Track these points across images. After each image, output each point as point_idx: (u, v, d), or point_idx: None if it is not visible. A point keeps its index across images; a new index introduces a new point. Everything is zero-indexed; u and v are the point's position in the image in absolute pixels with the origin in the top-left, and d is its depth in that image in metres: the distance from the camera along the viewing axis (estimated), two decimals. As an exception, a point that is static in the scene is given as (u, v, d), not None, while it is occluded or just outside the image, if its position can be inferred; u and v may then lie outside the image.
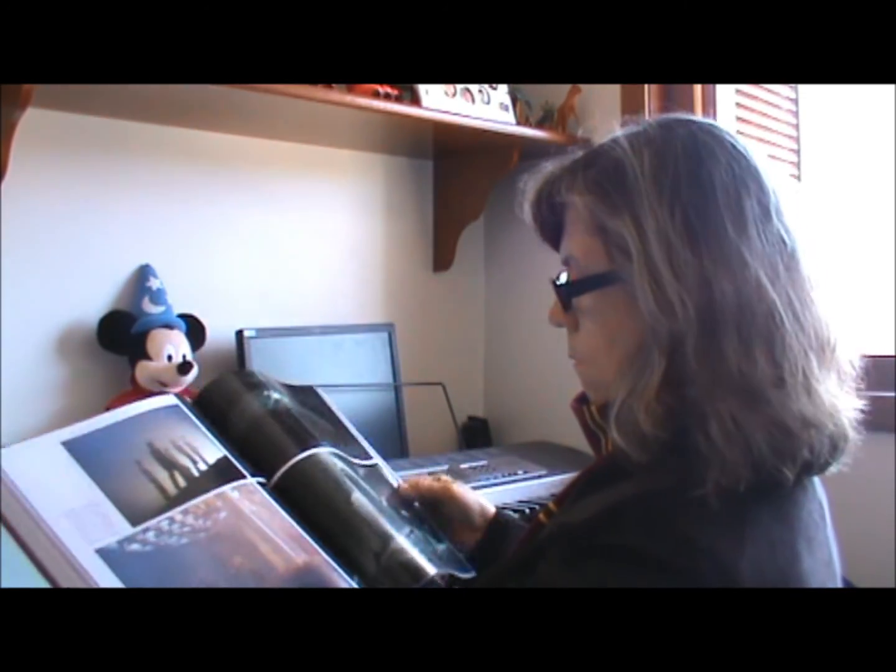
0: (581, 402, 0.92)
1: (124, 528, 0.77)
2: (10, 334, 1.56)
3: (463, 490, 1.11)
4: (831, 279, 0.84)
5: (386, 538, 0.93)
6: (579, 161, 0.87)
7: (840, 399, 0.82)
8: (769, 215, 0.80)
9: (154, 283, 1.69)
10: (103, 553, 0.74)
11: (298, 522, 0.89)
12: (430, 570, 0.93)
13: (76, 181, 1.64)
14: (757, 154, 0.84)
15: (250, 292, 1.88)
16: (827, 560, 0.81)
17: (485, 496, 1.74)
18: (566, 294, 0.87)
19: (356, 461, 1.06)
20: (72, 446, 0.81)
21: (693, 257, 0.78)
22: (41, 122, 1.54)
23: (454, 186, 2.17)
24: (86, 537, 0.74)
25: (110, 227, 1.68)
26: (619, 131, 0.87)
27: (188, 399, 0.97)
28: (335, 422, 1.13)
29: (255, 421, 0.99)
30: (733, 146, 0.83)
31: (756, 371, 0.76)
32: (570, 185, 0.86)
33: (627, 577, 0.72)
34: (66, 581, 0.72)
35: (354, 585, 0.86)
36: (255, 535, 0.83)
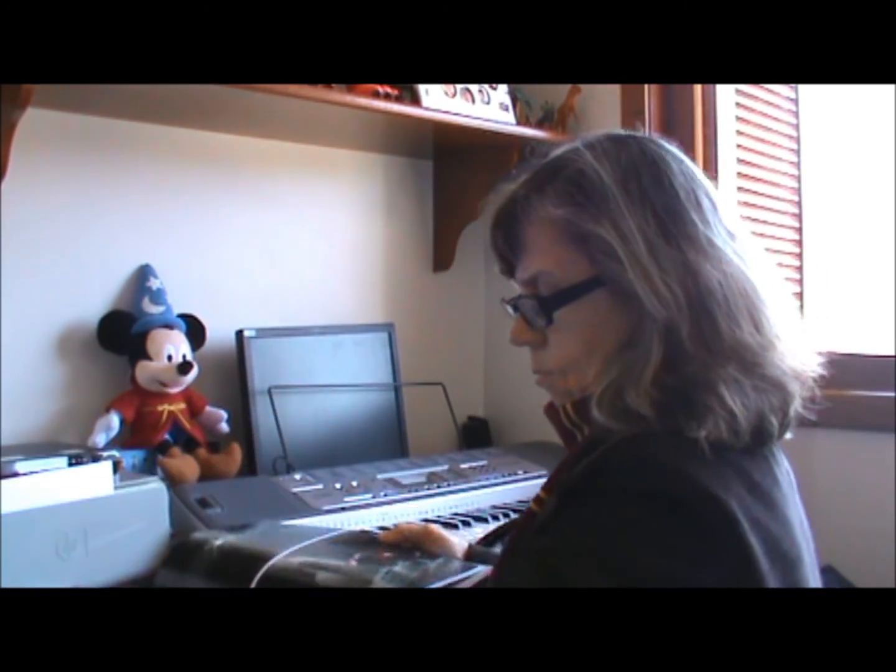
0: (552, 407, 0.97)
1: None
2: (10, 334, 1.56)
3: (441, 530, 1.17)
4: (767, 264, 0.92)
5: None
6: (541, 176, 0.91)
7: (811, 355, 0.90)
8: (716, 208, 0.89)
9: (154, 283, 1.69)
10: None
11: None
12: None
13: (76, 181, 1.64)
14: (686, 157, 0.92)
15: (250, 292, 1.88)
16: (800, 521, 0.86)
17: (485, 496, 1.76)
18: (547, 308, 0.90)
19: (324, 536, 1.12)
20: None
21: (672, 250, 0.84)
22: (41, 122, 1.54)
23: (454, 186, 2.16)
24: None
25: (110, 227, 1.68)
26: (566, 147, 0.92)
27: None
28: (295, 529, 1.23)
29: (208, 575, 1.05)
30: (674, 154, 0.91)
31: (748, 340, 0.83)
32: (542, 201, 0.90)
33: (621, 513, 0.76)
34: None
35: None
36: None
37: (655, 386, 0.82)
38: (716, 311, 0.83)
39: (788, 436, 0.89)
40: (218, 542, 1.08)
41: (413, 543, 1.14)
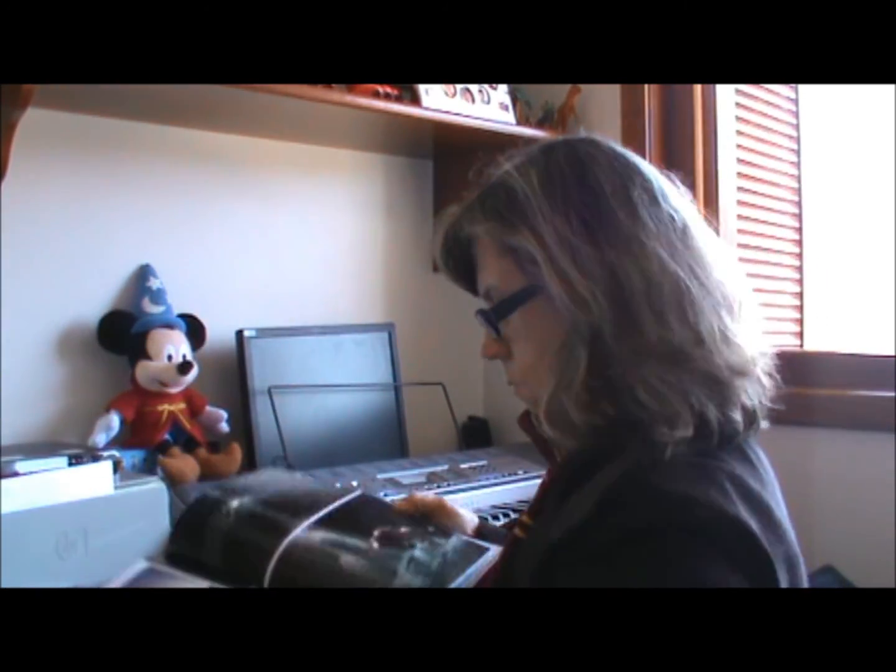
0: (527, 419, 0.98)
1: None
2: (10, 334, 1.56)
3: (454, 506, 1.17)
4: (724, 250, 0.92)
5: (386, 584, 0.96)
6: (475, 197, 0.94)
7: (756, 346, 0.88)
8: (656, 200, 0.88)
9: (154, 283, 1.69)
10: None
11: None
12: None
13: (76, 181, 1.64)
14: (634, 154, 0.92)
15: (250, 292, 1.88)
16: (786, 517, 0.85)
17: (485, 496, 1.76)
18: (494, 319, 0.93)
19: (338, 503, 1.09)
20: None
21: (594, 251, 0.84)
22: (41, 122, 1.54)
23: (454, 186, 2.16)
24: None
25: (110, 227, 1.68)
26: (506, 164, 0.93)
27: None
28: (300, 483, 1.18)
29: (224, 545, 1.01)
30: (611, 148, 0.91)
31: (674, 335, 0.83)
32: (471, 218, 0.93)
33: (645, 559, 0.74)
34: None
35: None
36: None
37: (585, 390, 0.83)
38: (639, 309, 0.83)
39: (764, 426, 0.89)
40: (235, 506, 1.05)
41: (425, 515, 1.13)
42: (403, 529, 1.07)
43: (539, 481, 0.98)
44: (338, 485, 1.23)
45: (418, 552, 1.02)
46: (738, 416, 0.84)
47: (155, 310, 1.67)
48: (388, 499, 1.62)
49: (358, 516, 1.09)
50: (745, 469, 0.83)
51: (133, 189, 1.71)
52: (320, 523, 1.04)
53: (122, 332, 1.64)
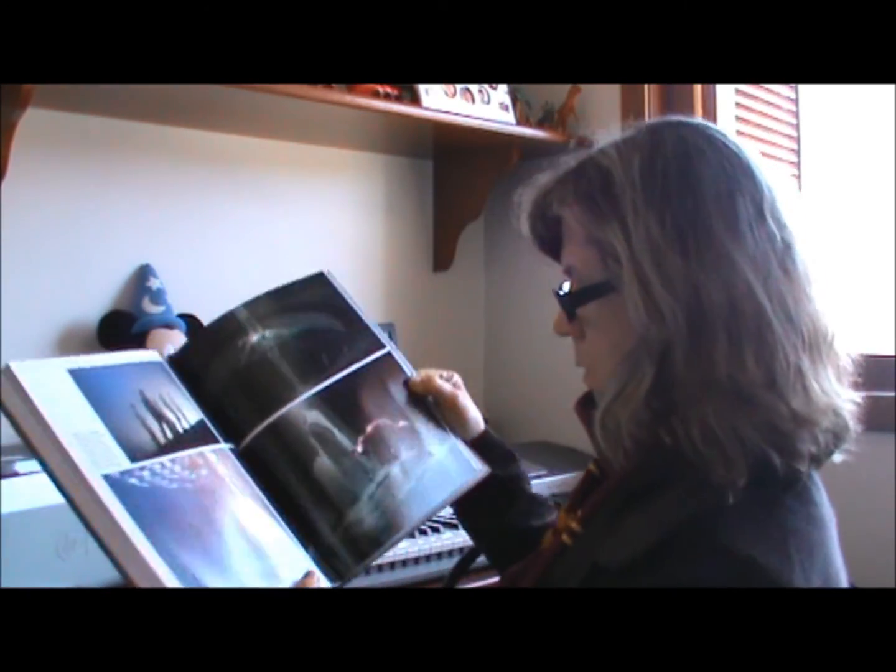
0: (584, 405, 0.92)
1: (124, 462, 0.79)
2: (10, 334, 1.55)
3: (465, 404, 1.10)
4: (829, 274, 0.84)
5: (343, 508, 0.92)
6: (570, 172, 0.87)
7: (838, 394, 0.82)
8: (763, 214, 0.80)
9: (154, 283, 1.69)
10: (109, 479, 0.76)
11: (263, 489, 0.90)
12: (376, 546, 0.91)
13: (76, 181, 1.64)
14: (751, 152, 0.84)
15: (250, 292, 1.87)
16: (840, 560, 0.82)
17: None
18: (569, 304, 0.88)
19: (357, 365, 1.04)
20: (77, 375, 0.83)
21: (682, 262, 0.78)
22: (41, 122, 1.54)
23: (454, 186, 2.16)
24: (93, 462, 0.76)
25: (110, 227, 1.68)
26: (610, 138, 0.87)
27: (167, 358, 0.98)
28: (342, 314, 1.11)
29: (225, 384, 0.97)
30: (725, 145, 0.83)
31: (745, 374, 0.76)
32: (561, 197, 0.87)
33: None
34: (81, 501, 0.74)
35: (309, 559, 0.87)
36: (229, 496, 0.85)
37: (646, 408, 0.79)
38: (715, 336, 0.77)
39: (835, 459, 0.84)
40: (252, 341, 1.01)
41: (434, 399, 1.08)
42: (401, 424, 1.03)
43: (540, 480, 0.96)
44: (376, 327, 1.12)
45: (396, 469, 0.98)
46: (802, 465, 0.78)
47: (155, 310, 1.67)
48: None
49: (364, 393, 1.03)
50: (807, 515, 0.79)
51: (133, 189, 1.71)
52: (324, 395, 0.99)
53: (122, 333, 1.64)
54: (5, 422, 1.56)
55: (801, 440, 0.78)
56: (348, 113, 1.71)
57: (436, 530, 1.61)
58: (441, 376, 1.11)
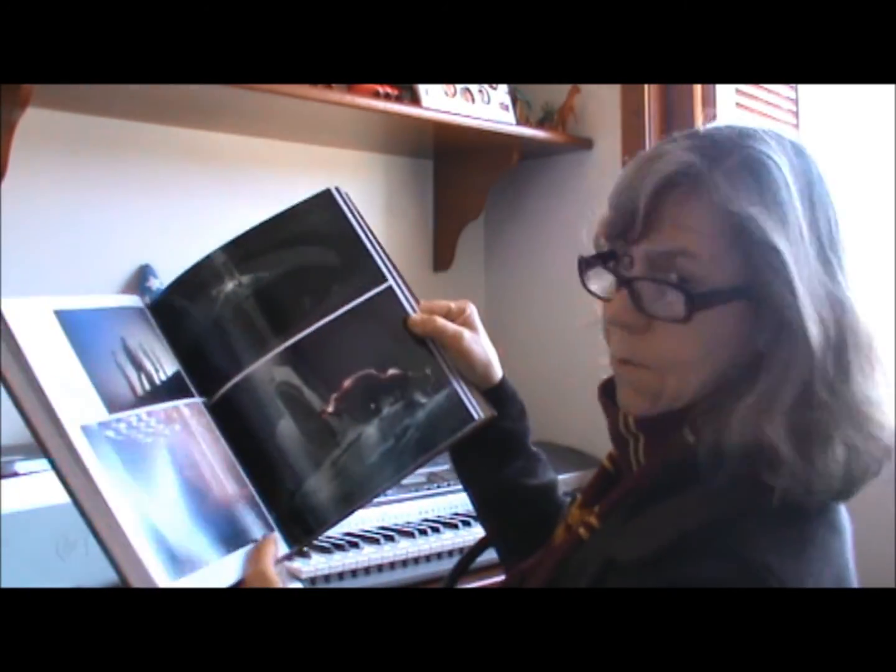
0: (610, 397, 0.86)
1: (101, 413, 0.78)
2: (10, 334, 1.56)
3: (472, 346, 0.96)
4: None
5: (303, 476, 0.89)
6: (722, 153, 0.78)
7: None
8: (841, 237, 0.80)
9: (154, 283, 1.69)
10: (86, 430, 0.75)
11: (232, 447, 0.88)
12: (332, 516, 0.88)
13: (76, 181, 1.64)
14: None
15: (250, 292, 1.88)
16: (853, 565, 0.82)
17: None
18: (698, 302, 0.76)
19: (347, 307, 0.94)
20: (62, 318, 0.81)
21: (828, 279, 0.77)
22: (41, 122, 1.54)
23: (454, 186, 2.17)
24: (72, 412, 0.75)
25: (110, 227, 1.69)
26: (742, 125, 0.81)
27: (147, 305, 0.96)
28: (341, 243, 0.98)
29: (200, 334, 0.93)
30: (829, 177, 0.82)
31: (877, 398, 0.77)
32: (723, 182, 0.76)
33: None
34: (56, 451, 0.74)
35: (272, 523, 0.86)
36: (199, 454, 0.84)
37: (789, 420, 0.75)
38: (853, 357, 0.76)
39: None
40: (227, 290, 0.94)
41: (438, 341, 0.94)
42: (391, 372, 0.92)
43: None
44: (381, 256, 0.97)
45: (372, 428, 0.90)
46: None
47: (155, 310, 1.67)
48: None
49: (351, 339, 0.94)
50: (828, 522, 0.78)
51: (133, 189, 1.71)
52: (299, 347, 0.92)
53: (122, 333, 1.64)
54: (5, 421, 1.56)
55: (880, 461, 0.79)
56: (348, 113, 1.71)
57: (436, 530, 1.61)
58: (451, 310, 0.97)
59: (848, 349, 0.76)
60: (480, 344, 0.98)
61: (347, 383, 0.91)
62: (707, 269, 0.76)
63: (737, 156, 0.78)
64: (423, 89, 1.80)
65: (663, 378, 0.79)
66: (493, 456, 1.03)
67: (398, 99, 1.76)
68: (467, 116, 1.86)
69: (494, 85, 1.97)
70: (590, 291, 0.87)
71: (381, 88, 1.72)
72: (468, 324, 0.98)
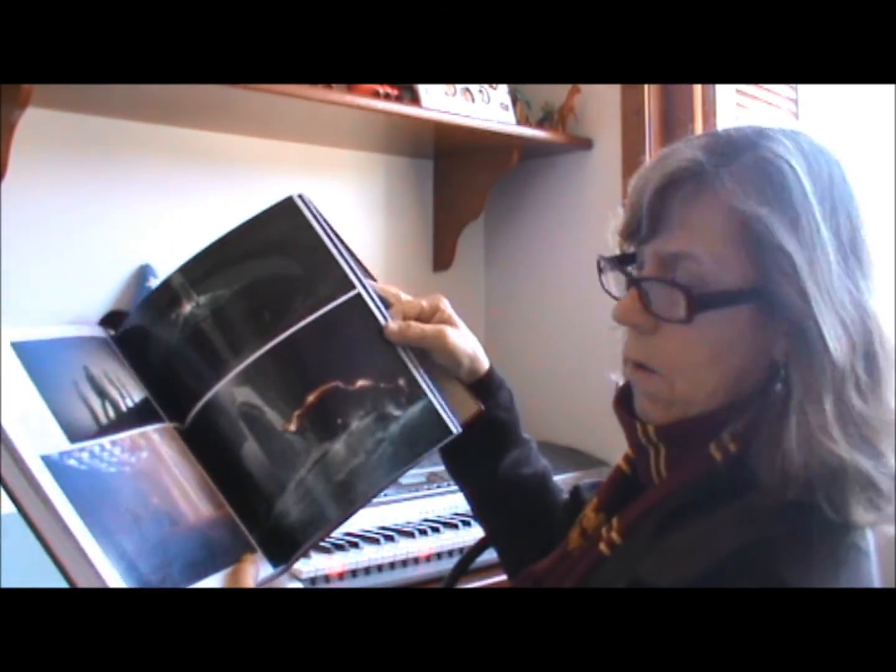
0: (626, 407, 0.84)
1: (63, 442, 0.77)
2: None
3: (456, 342, 0.93)
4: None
5: (271, 499, 0.85)
6: (732, 153, 0.76)
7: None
8: (865, 242, 0.78)
9: (154, 283, 1.69)
10: (46, 461, 0.74)
11: (209, 472, 0.86)
12: (304, 538, 0.85)
13: (76, 181, 1.64)
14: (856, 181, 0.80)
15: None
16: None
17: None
18: (700, 304, 0.75)
19: (309, 318, 0.90)
20: (19, 349, 0.80)
21: (850, 284, 0.73)
22: (41, 122, 1.54)
23: (454, 186, 2.17)
24: (31, 442, 0.74)
25: (110, 227, 1.69)
26: (754, 126, 0.79)
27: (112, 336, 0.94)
28: (305, 252, 0.95)
29: (165, 360, 0.91)
30: (852, 179, 0.80)
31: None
32: (731, 183, 0.75)
33: None
34: (14, 482, 0.72)
35: (254, 544, 0.84)
36: (169, 479, 0.83)
37: (844, 434, 0.72)
38: (882, 368, 0.73)
39: None
40: (185, 313, 0.92)
41: (421, 345, 0.91)
42: (360, 384, 0.88)
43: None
44: (349, 263, 0.95)
45: (339, 445, 0.85)
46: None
47: (155, 310, 1.67)
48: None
49: (315, 352, 0.89)
50: (855, 545, 0.75)
51: (133, 189, 1.71)
52: (259, 364, 0.88)
53: (123, 332, 1.64)
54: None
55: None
56: (348, 113, 1.71)
57: (436, 530, 1.61)
58: (423, 309, 0.95)
59: (878, 356, 0.73)
60: (463, 337, 0.95)
61: (311, 398, 0.87)
62: (713, 270, 0.75)
63: (748, 155, 0.76)
64: (423, 89, 1.81)
65: (672, 383, 0.78)
66: (487, 449, 1.01)
67: (398, 99, 1.76)
68: (467, 116, 1.86)
69: (494, 85, 1.97)
70: (608, 293, 0.85)
71: (381, 88, 1.72)
72: (445, 319, 0.95)
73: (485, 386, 0.98)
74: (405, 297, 0.96)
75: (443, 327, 0.93)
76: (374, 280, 0.96)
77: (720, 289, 0.75)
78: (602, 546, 0.81)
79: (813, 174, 0.75)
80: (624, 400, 0.84)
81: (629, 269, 0.81)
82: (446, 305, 0.97)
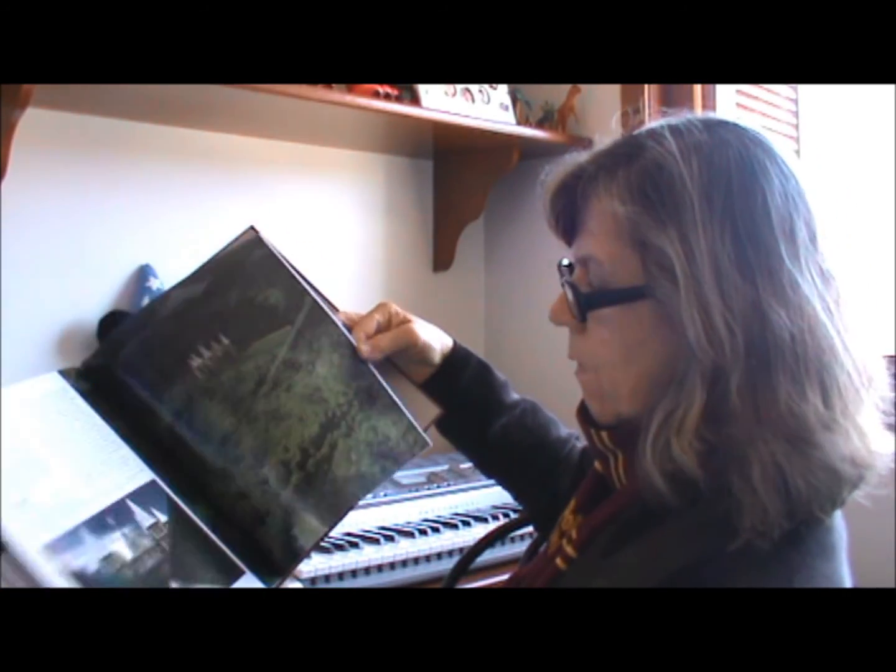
0: (584, 415, 0.85)
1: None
2: (10, 334, 1.56)
3: (423, 333, 0.99)
4: (868, 309, 0.80)
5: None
6: (618, 158, 0.78)
7: (881, 436, 0.77)
8: (815, 242, 0.74)
9: (154, 283, 1.69)
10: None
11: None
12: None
13: (76, 181, 1.64)
14: (804, 171, 0.77)
15: (250, 292, 1.88)
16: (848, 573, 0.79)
17: (485, 496, 1.75)
18: (584, 302, 0.78)
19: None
20: None
21: (745, 283, 0.71)
22: (41, 122, 1.54)
23: (454, 186, 2.17)
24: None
25: (110, 227, 1.69)
26: (658, 124, 0.79)
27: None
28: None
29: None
30: (784, 161, 0.77)
31: (808, 412, 0.71)
32: (609, 187, 0.77)
33: None
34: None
35: (241, 566, 0.86)
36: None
37: (699, 440, 0.71)
38: (778, 369, 0.70)
39: None
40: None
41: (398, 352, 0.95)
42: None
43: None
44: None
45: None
46: (829, 512, 0.75)
47: (155, 310, 1.67)
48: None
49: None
50: (818, 546, 0.74)
51: (133, 189, 1.71)
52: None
53: (122, 332, 1.64)
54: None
55: (847, 485, 0.74)
56: (348, 113, 1.71)
57: (436, 530, 1.61)
58: (379, 322, 0.96)
59: (770, 360, 0.70)
60: (425, 326, 1.01)
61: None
62: (612, 271, 0.77)
63: (634, 158, 0.77)
64: (423, 89, 1.81)
65: (599, 379, 0.81)
66: (470, 422, 1.04)
67: (398, 99, 1.76)
68: (467, 116, 1.86)
69: (494, 85, 1.97)
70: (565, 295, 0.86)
71: (381, 88, 1.72)
72: (403, 319, 0.99)
73: (456, 361, 1.03)
74: (354, 314, 0.98)
75: (407, 325, 0.98)
76: (335, 307, 0.97)
77: (614, 287, 0.77)
78: (558, 561, 0.81)
79: (704, 174, 0.74)
80: (584, 409, 0.86)
81: (566, 272, 0.85)
82: (391, 305, 1.00)
